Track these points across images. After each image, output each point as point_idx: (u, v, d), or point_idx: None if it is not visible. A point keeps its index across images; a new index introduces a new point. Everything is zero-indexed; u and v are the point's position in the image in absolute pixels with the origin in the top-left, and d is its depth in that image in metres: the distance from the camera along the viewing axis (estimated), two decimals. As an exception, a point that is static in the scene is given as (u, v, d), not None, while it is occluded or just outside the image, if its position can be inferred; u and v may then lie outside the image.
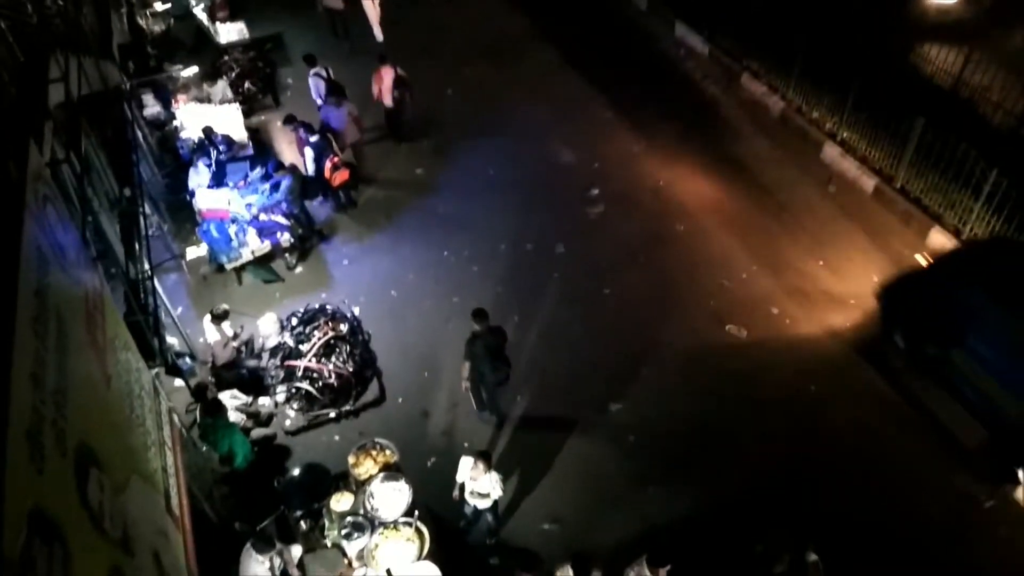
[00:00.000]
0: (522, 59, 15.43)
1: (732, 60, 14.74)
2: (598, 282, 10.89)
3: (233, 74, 13.84)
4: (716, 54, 15.02)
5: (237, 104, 13.06)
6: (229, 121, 12.49)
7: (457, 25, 16.48)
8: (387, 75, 12.62)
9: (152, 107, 12.76)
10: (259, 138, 13.24)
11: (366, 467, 7.73)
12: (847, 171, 12.35)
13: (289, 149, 12.73)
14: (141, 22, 14.83)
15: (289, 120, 11.88)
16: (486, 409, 9.25)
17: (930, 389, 8.90)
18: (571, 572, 6.43)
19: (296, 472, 7.88)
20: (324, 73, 12.58)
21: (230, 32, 15.16)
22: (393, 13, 15.83)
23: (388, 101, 12.87)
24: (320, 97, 12.56)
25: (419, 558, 6.97)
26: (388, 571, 6.58)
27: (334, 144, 11.68)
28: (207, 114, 12.46)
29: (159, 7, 15.35)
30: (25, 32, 8.31)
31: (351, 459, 7.76)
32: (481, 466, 7.10)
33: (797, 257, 11.07)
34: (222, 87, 13.32)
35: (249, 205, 10.85)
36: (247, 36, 15.18)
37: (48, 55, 7.94)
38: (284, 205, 11.00)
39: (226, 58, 14.17)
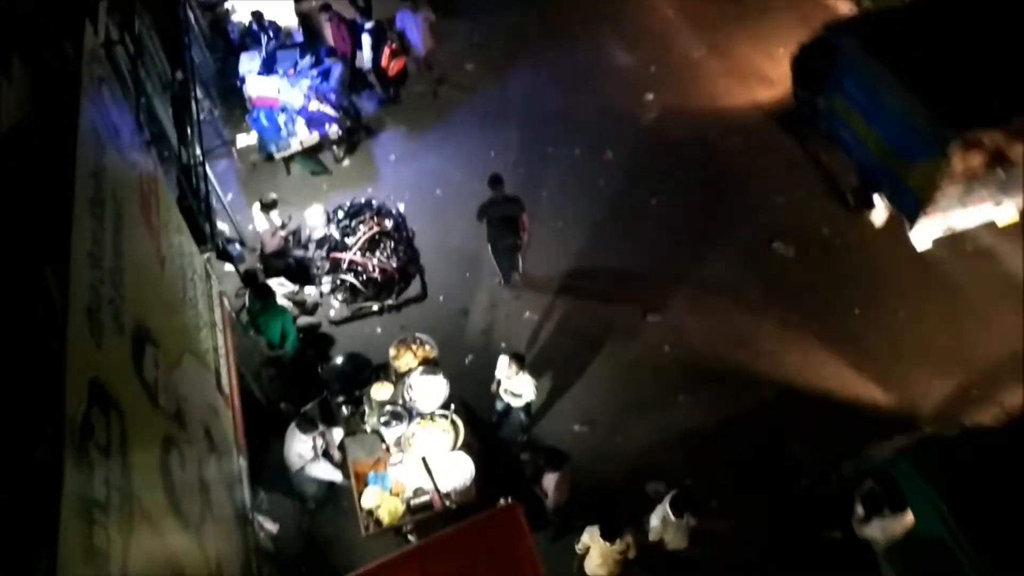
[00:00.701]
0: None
1: None
2: (645, 191, 10.71)
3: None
4: None
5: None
6: (279, 6, 12.28)
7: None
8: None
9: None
10: (308, 24, 13.01)
11: (406, 360, 7.97)
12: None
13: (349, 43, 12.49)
14: None
15: (325, 8, 11.63)
16: (508, 279, 9.67)
17: (818, 140, 10.67)
18: (599, 532, 6.22)
19: (339, 360, 8.17)
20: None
21: None
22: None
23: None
24: None
25: (453, 448, 7.27)
26: (423, 459, 6.89)
27: (387, 32, 11.46)
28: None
29: None
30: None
31: (392, 351, 8.00)
32: (515, 367, 7.28)
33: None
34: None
35: (304, 92, 10.78)
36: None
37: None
38: (333, 96, 10.94)
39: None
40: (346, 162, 11.44)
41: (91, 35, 6.01)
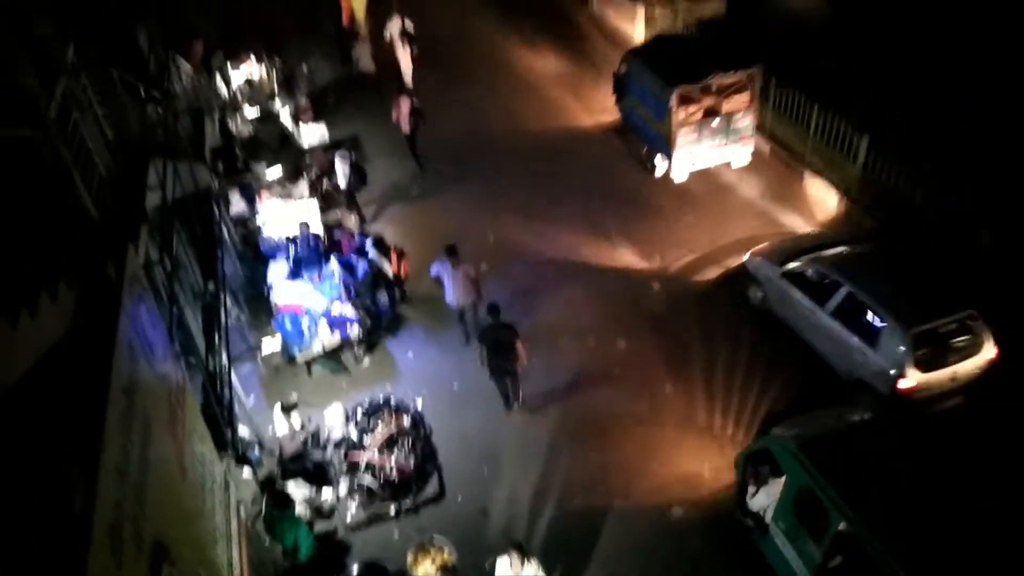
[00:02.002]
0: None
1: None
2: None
3: (313, 172, 14.68)
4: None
5: (316, 200, 13.80)
6: (308, 217, 13.19)
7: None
8: (404, 104, 14.80)
9: (238, 204, 13.58)
10: (331, 234, 13.88)
11: (424, 567, 7.71)
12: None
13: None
14: (231, 126, 15.97)
15: (337, 226, 12.91)
16: (509, 404, 10.47)
17: (629, 134, 15.55)
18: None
19: (355, 569, 7.90)
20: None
21: (312, 134, 16.13)
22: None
23: (405, 127, 15.04)
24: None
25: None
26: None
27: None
28: (289, 210, 13.19)
29: (249, 113, 16.53)
30: (129, 141, 9.13)
31: (409, 558, 7.76)
32: (516, 557, 7.05)
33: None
34: (303, 186, 14.13)
35: (328, 295, 11.34)
36: (327, 137, 16.14)
37: (148, 163, 8.66)
38: (353, 295, 11.47)
39: (308, 158, 15.06)
40: (366, 361, 11.72)
41: (134, 257, 6.49)
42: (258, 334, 11.86)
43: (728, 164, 14.24)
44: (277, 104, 16.86)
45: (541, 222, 13.78)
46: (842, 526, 6.96)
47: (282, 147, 16.12)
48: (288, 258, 12.08)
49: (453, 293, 11.05)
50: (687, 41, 16.39)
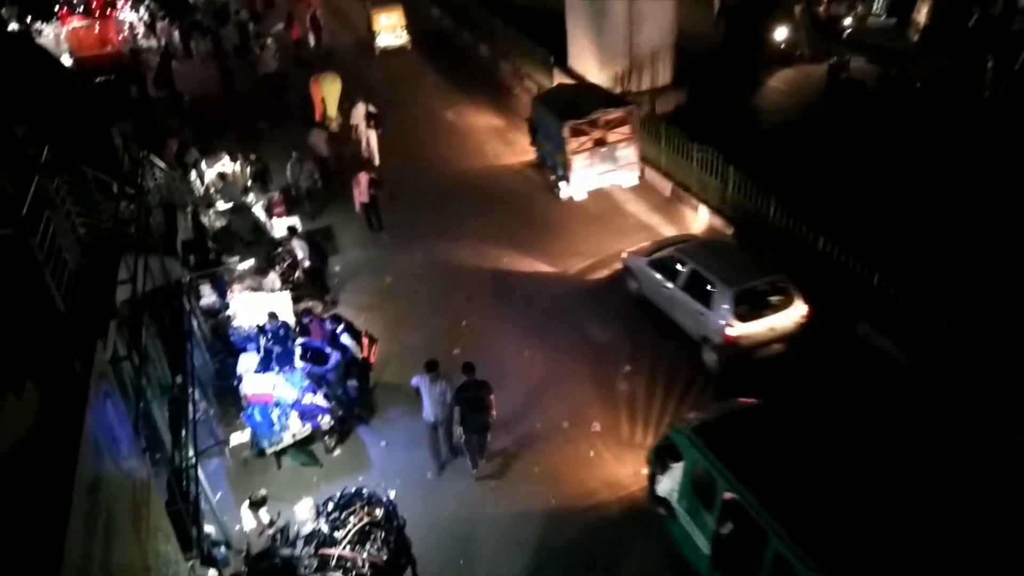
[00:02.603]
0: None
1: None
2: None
3: (285, 264, 14.80)
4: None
5: (288, 292, 13.87)
6: (280, 308, 13.21)
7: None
8: (363, 179, 16.47)
9: (208, 297, 13.60)
10: (303, 323, 13.88)
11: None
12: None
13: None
14: (204, 219, 16.17)
15: (306, 312, 12.92)
16: (476, 464, 10.81)
17: (542, 167, 18.47)
18: None
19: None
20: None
21: (284, 226, 16.36)
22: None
23: (365, 198, 16.53)
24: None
25: None
26: None
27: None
28: (260, 302, 13.22)
29: (222, 206, 16.77)
30: (101, 237, 9.21)
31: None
32: None
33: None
34: (274, 277, 14.22)
35: (304, 383, 11.29)
36: (300, 230, 16.37)
37: (119, 258, 8.73)
38: (331, 377, 11.41)
39: (280, 249, 15.21)
40: (337, 451, 11.55)
41: (101, 353, 6.48)
42: (227, 428, 11.68)
43: (619, 186, 17.26)
44: (250, 198, 17.15)
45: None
46: (727, 494, 8.06)
47: (254, 239, 16.30)
48: (258, 349, 12.03)
49: (431, 408, 10.72)
50: (580, 87, 19.35)
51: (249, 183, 17.59)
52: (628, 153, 16.76)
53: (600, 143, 16.47)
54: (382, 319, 14.00)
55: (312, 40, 26.83)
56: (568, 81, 20.38)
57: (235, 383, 11.86)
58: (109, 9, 29.61)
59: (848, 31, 23.19)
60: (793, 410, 9.58)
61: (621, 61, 19.77)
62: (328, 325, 12.27)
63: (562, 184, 17.04)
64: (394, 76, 24.72)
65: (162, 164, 15.25)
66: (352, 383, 11.86)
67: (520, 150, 19.61)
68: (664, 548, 9.55)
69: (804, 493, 7.96)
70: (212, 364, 12.67)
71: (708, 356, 12.24)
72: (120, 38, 29.50)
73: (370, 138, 18.88)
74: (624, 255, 14.39)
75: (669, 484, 9.30)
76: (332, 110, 19.96)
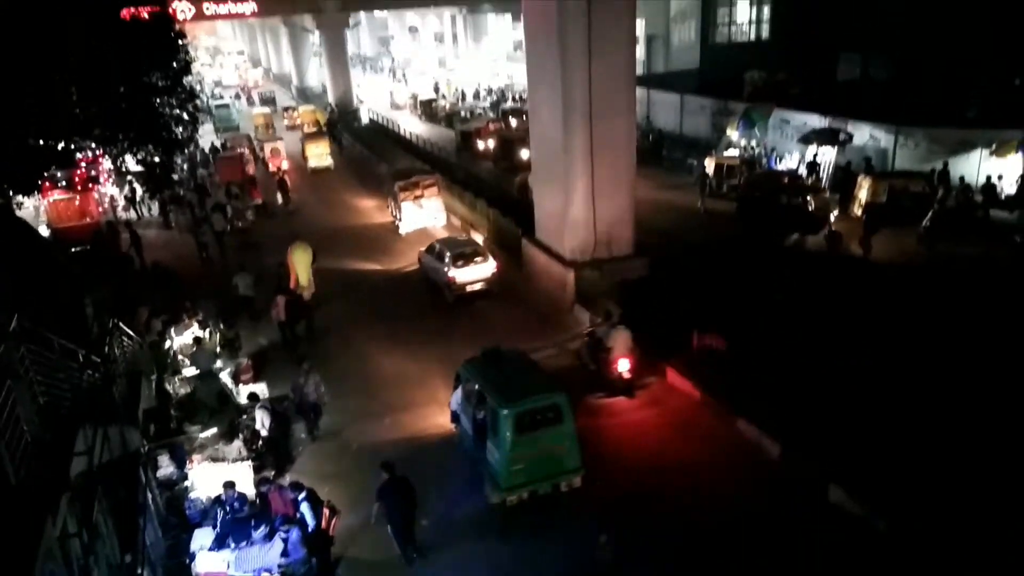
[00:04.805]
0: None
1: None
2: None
3: (248, 432, 14.45)
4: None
5: (249, 462, 13.44)
6: (240, 479, 12.76)
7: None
8: (281, 301, 18.40)
9: (166, 468, 13.12)
10: (263, 496, 13.36)
11: None
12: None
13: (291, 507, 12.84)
14: (168, 387, 15.93)
15: (263, 481, 12.47)
16: (409, 559, 11.64)
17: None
18: None
19: None
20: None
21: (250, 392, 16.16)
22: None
23: (282, 317, 18.50)
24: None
25: None
26: None
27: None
28: (220, 473, 12.76)
29: (188, 373, 16.59)
30: (61, 406, 9.02)
31: None
32: None
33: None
34: (237, 446, 13.84)
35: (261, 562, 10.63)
36: (267, 396, 16.14)
37: (77, 428, 8.52)
38: (285, 561, 10.79)
39: (244, 417, 14.90)
40: (295, 637, 10.78)
41: (50, 531, 6.18)
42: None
43: (434, 226, 27.24)
44: (218, 364, 17.04)
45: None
46: (478, 390, 12.94)
47: (219, 407, 15.99)
48: (214, 525, 11.47)
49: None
50: (412, 168, 31.02)
51: (218, 349, 17.55)
52: (437, 204, 27.41)
53: (419, 196, 26.97)
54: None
55: (280, 199, 32.32)
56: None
57: (188, 560, 11.18)
58: (91, 183, 30.67)
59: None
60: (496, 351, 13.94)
61: (585, 234, 20.66)
62: (289, 493, 11.82)
63: (399, 224, 27.49)
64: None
65: (130, 332, 15.23)
66: (314, 558, 11.26)
67: (386, 214, 29.81)
68: (460, 452, 13.88)
69: (500, 379, 12.87)
70: (164, 541, 11.99)
71: (447, 294, 21.09)
72: (100, 210, 30.41)
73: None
74: (419, 254, 23.20)
75: (455, 399, 14.12)
76: (304, 279, 20.39)
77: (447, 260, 20.69)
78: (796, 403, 13.88)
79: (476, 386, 12.92)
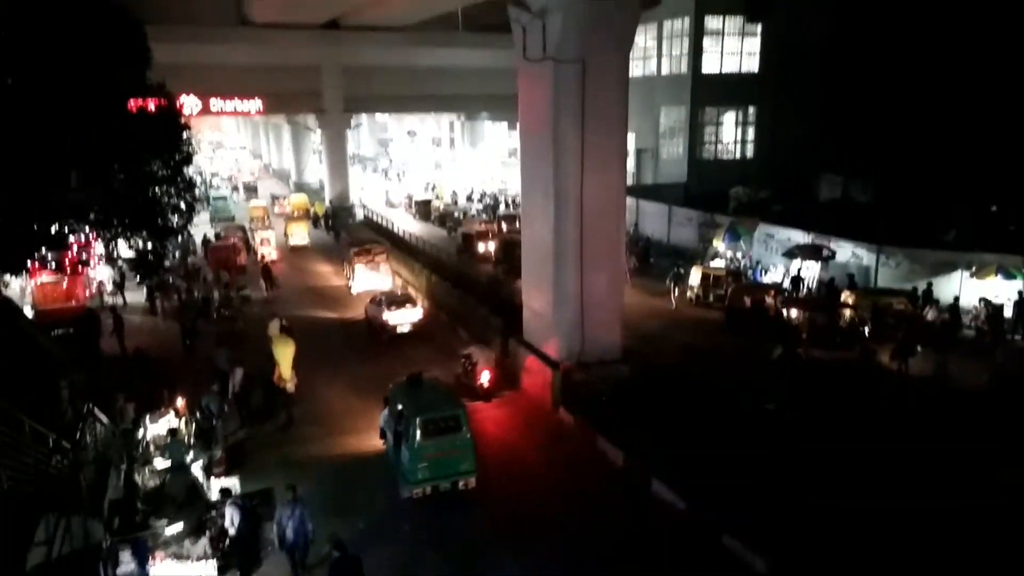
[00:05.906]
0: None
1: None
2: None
3: (215, 530, 13.86)
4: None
5: (214, 562, 12.83)
6: (203, 578, 12.19)
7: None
8: (239, 372, 19.60)
9: (127, 564, 12.43)
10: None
11: None
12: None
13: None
14: (137, 477, 15.37)
15: None
16: None
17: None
18: None
19: None
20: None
21: (222, 487, 15.58)
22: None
23: (237, 389, 19.29)
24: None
25: None
26: None
27: None
28: (183, 572, 12.16)
29: (159, 464, 16.06)
30: (24, 492, 8.67)
31: None
32: None
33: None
34: (203, 544, 13.23)
35: None
36: (239, 491, 15.57)
37: (39, 519, 8.15)
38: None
39: (213, 513, 14.32)
40: None
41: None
42: None
43: (381, 287, 30.81)
44: (191, 456, 16.53)
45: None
46: (400, 408, 15.78)
47: (188, 501, 15.39)
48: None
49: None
50: (366, 239, 37.48)
51: (191, 441, 17.07)
52: (385, 268, 32.35)
53: (371, 261, 31.97)
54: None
55: (264, 286, 32.87)
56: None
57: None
58: (81, 267, 30.62)
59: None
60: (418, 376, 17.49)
61: (574, 337, 20.75)
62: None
63: (351, 284, 32.24)
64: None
65: (104, 419, 14.85)
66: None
67: (343, 277, 34.81)
68: (384, 461, 16.69)
69: (416, 396, 16.15)
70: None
71: (383, 335, 25.89)
72: (87, 294, 30.23)
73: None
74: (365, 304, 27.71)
75: (383, 417, 17.02)
76: (286, 372, 20.12)
77: (383, 305, 26.04)
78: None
79: (399, 405, 16.07)
